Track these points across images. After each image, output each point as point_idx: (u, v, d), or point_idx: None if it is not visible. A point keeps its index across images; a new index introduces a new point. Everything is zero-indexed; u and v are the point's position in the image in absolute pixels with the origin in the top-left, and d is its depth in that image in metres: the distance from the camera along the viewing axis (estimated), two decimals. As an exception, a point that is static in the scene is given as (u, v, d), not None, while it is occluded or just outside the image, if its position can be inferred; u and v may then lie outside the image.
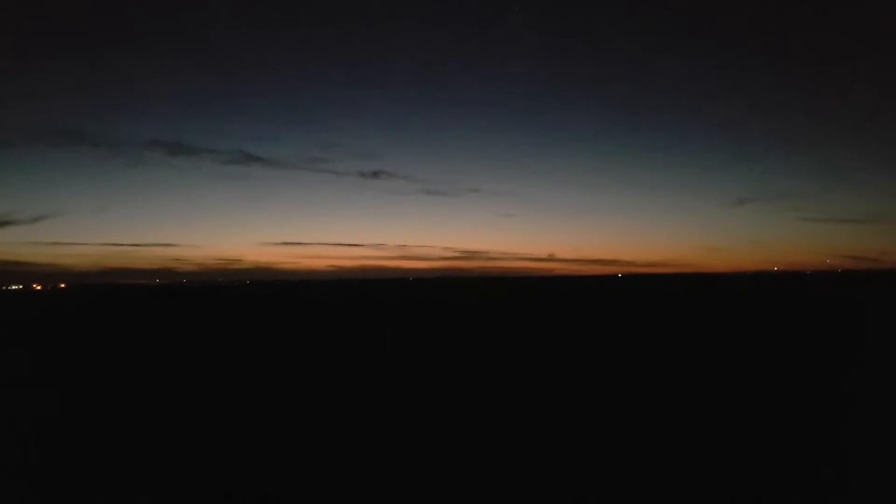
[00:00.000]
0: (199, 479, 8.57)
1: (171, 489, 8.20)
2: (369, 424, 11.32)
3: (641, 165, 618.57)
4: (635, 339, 24.14)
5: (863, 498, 7.55)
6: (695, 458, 9.00)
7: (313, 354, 21.67)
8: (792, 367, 16.68)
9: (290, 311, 53.50)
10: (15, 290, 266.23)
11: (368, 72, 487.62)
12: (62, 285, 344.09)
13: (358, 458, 9.36)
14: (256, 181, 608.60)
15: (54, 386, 16.48)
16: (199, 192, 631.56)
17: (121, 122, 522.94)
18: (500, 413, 12.03)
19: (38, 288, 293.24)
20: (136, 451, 9.97)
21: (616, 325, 31.58)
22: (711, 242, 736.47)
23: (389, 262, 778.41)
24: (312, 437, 10.53)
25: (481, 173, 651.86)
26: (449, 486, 8.13)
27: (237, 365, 19.43)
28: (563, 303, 57.89)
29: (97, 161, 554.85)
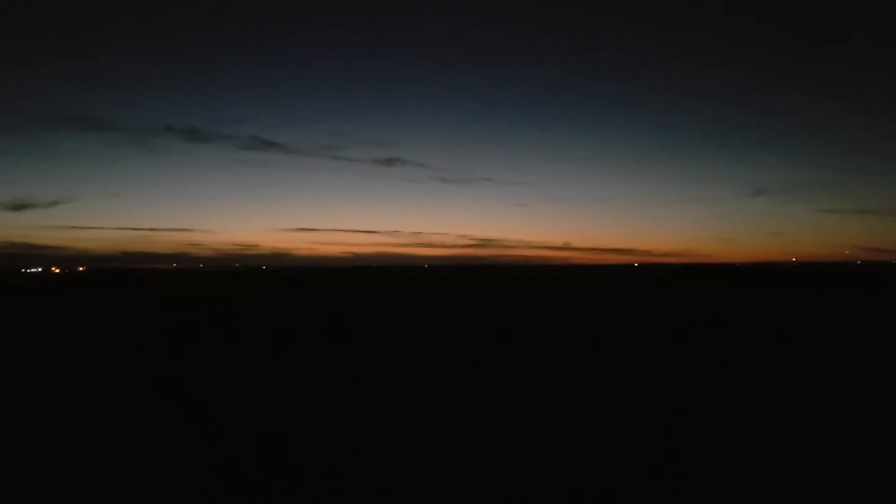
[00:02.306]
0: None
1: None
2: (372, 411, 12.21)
3: (658, 155, 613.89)
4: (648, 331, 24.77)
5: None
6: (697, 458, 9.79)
7: (325, 342, 22.48)
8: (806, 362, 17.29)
9: (309, 296, 54.34)
10: (34, 272, 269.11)
11: (384, 60, 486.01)
12: (81, 268, 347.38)
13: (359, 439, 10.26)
14: (272, 167, 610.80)
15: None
16: (214, 177, 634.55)
17: (136, 108, 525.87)
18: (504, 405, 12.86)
19: (57, 271, 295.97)
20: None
21: (634, 314, 32.16)
22: (728, 233, 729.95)
23: (404, 248, 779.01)
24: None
25: (496, 162, 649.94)
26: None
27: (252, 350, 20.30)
28: (579, 291, 58.32)
29: (113, 146, 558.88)
